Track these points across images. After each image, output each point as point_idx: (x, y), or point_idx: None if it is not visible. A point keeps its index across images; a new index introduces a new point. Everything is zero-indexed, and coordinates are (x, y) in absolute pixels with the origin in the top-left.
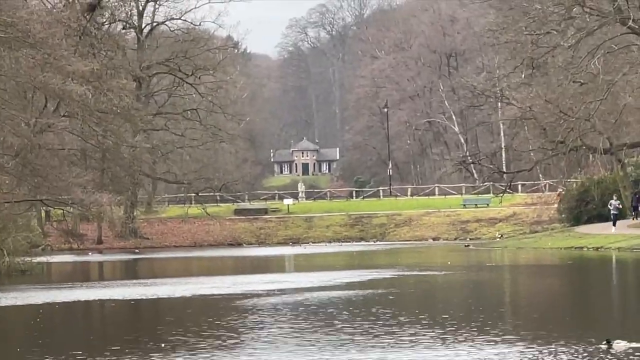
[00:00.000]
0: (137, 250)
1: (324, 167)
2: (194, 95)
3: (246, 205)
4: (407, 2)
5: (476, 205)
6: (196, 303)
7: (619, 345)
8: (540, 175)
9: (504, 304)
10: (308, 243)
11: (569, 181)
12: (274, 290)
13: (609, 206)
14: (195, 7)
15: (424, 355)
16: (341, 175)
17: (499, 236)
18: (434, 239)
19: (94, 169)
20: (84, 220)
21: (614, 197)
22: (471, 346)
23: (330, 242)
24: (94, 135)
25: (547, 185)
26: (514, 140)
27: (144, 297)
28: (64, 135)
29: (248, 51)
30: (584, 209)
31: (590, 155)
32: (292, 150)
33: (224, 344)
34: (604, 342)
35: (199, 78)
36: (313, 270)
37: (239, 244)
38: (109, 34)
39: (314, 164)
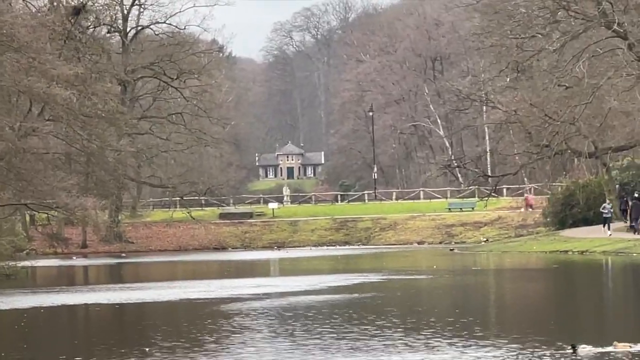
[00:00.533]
0: (123, 255)
1: (309, 171)
2: (178, 99)
3: (231, 209)
4: (392, 6)
5: (461, 209)
6: (181, 307)
7: (584, 350)
8: (526, 179)
9: (488, 308)
10: (292, 247)
11: (554, 185)
12: (259, 294)
13: (602, 209)
14: (180, 11)
15: (409, 359)
16: (326, 179)
17: (484, 240)
18: (419, 243)
19: (79, 173)
20: (68, 225)
21: (607, 201)
22: (456, 350)
23: (315, 246)
24: (78, 139)
25: (532, 189)
26: (499, 144)
27: (129, 302)
28: (49, 139)
29: (233, 55)
30: (569, 212)
31: (575, 159)
32: (277, 154)
33: (209, 347)
34: (569, 347)
35: (184, 82)
36: (298, 274)
37: (224, 248)
38: (94, 38)
39: (299, 167)
